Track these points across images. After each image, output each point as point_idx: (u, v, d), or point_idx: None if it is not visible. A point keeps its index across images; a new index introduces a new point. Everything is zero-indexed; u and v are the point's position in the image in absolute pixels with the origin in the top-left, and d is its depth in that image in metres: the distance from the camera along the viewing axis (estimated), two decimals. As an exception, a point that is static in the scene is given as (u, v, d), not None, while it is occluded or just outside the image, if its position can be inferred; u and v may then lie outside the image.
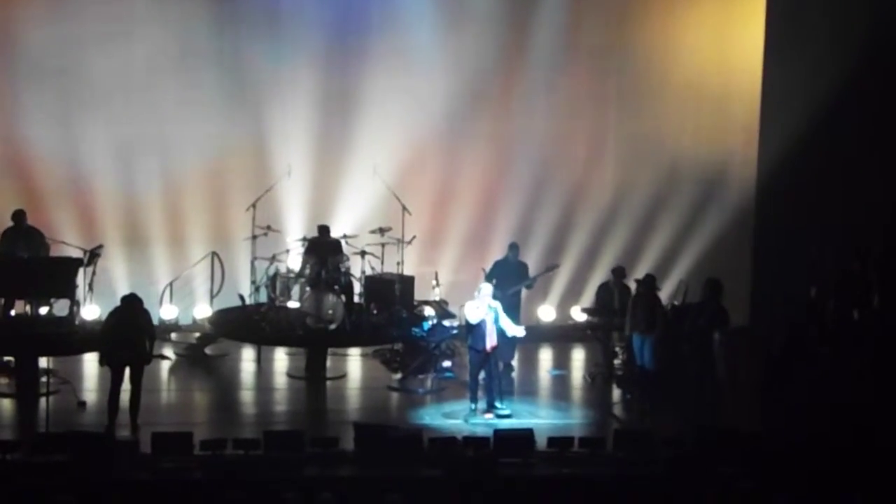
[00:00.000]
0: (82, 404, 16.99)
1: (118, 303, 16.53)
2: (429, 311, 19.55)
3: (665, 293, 19.11)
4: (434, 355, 18.75)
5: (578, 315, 20.21)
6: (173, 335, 19.88)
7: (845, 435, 15.43)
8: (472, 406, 16.99)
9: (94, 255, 18.42)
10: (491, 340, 16.81)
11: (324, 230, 19.36)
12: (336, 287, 18.66)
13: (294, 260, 19.44)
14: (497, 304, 17.00)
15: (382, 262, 19.68)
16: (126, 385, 16.24)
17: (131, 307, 16.26)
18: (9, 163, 20.40)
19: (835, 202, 20.45)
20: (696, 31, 21.48)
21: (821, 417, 16.35)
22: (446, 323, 19.07)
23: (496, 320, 16.89)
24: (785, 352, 17.54)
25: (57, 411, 16.10)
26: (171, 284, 19.98)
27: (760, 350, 18.36)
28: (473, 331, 16.87)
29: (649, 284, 18.05)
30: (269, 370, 19.38)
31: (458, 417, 16.85)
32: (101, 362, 16.44)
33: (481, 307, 16.79)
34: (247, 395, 18.56)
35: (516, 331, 17.15)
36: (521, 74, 21.31)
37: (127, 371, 16.20)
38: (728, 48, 21.55)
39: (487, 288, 17.07)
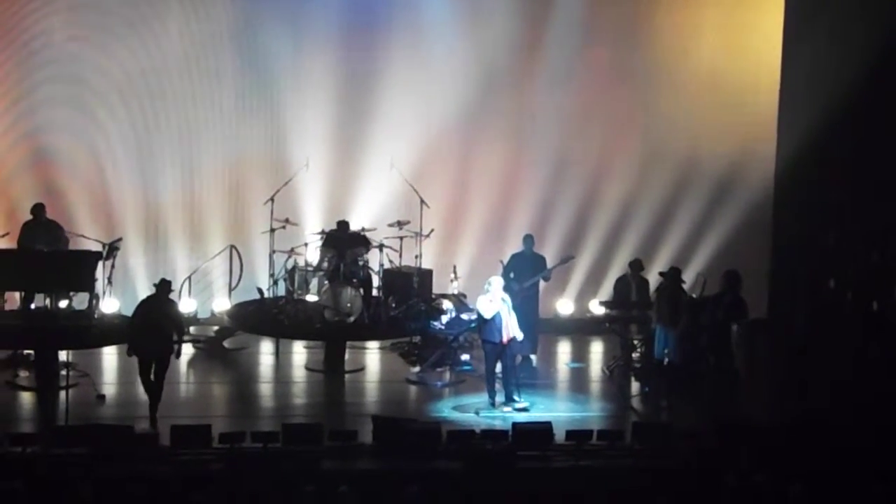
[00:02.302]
0: (101, 397, 17.05)
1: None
2: (447, 304, 19.57)
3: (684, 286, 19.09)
4: (452, 348, 18.76)
5: (596, 308, 20.20)
6: (192, 328, 19.90)
7: (863, 427, 15.41)
8: (490, 399, 17.00)
9: (112, 248, 18.47)
10: (507, 332, 16.81)
11: (343, 226, 19.37)
12: (354, 280, 18.67)
13: (312, 253, 19.46)
14: (507, 297, 17.00)
15: (401, 256, 19.70)
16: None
17: (162, 293, 16.40)
18: (29, 157, 20.45)
19: (853, 193, 20.40)
20: (715, 24, 21.41)
21: (838, 409, 16.33)
22: (464, 316, 19.07)
23: (509, 313, 16.90)
24: (806, 343, 17.50)
25: (76, 404, 16.16)
26: (189, 278, 20.03)
27: (779, 342, 18.33)
28: (487, 324, 16.86)
29: (674, 277, 18.04)
30: (287, 363, 19.42)
31: (469, 411, 16.86)
32: (129, 353, 16.53)
33: (495, 300, 16.79)
34: (265, 388, 18.59)
35: (517, 332, 17.10)
36: (538, 67, 21.28)
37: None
38: (747, 40, 21.48)
39: (498, 281, 17.06)
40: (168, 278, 16.92)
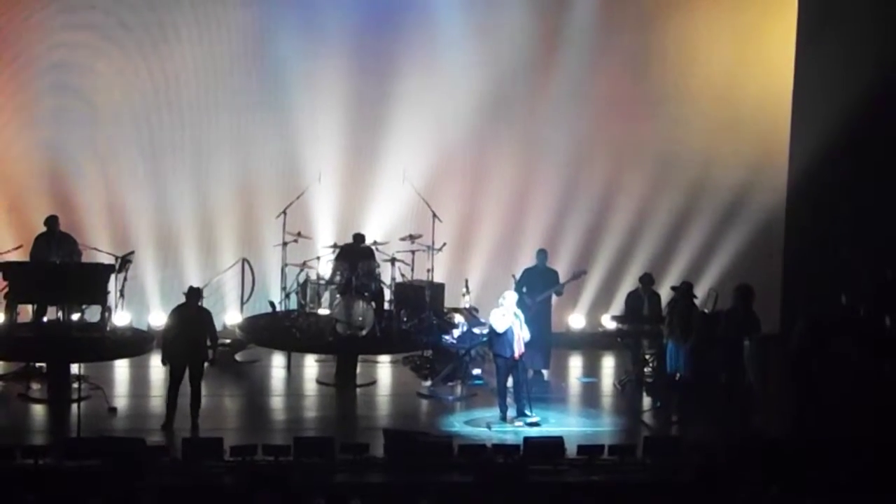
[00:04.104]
0: (113, 410, 17.07)
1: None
2: (459, 318, 19.56)
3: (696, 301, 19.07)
4: (464, 362, 18.75)
5: (608, 322, 20.18)
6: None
7: (876, 442, 15.37)
8: (502, 413, 16.99)
9: (125, 261, 18.48)
10: (518, 347, 16.80)
11: (359, 238, 19.38)
12: (366, 294, 18.68)
13: (324, 266, 19.47)
14: (519, 312, 17.01)
15: (413, 269, 19.70)
16: (186, 389, 16.49)
17: (192, 301, 16.57)
18: (41, 170, 20.49)
19: (867, 208, 20.38)
20: (727, 39, 21.40)
21: (852, 424, 16.29)
22: (476, 330, 19.06)
23: (521, 327, 16.90)
24: (804, 350, 17.42)
25: (88, 417, 16.15)
26: (201, 290, 20.00)
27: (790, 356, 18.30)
28: (499, 338, 16.87)
29: (685, 292, 18.01)
30: (299, 376, 19.44)
31: (481, 425, 16.84)
32: (164, 361, 16.64)
33: (507, 315, 16.79)
34: (277, 402, 18.60)
35: (525, 334, 17.08)
36: (551, 82, 21.30)
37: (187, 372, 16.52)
38: (759, 55, 21.47)
39: (511, 295, 17.08)
40: (196, 287, 17.03)
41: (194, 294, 16.77)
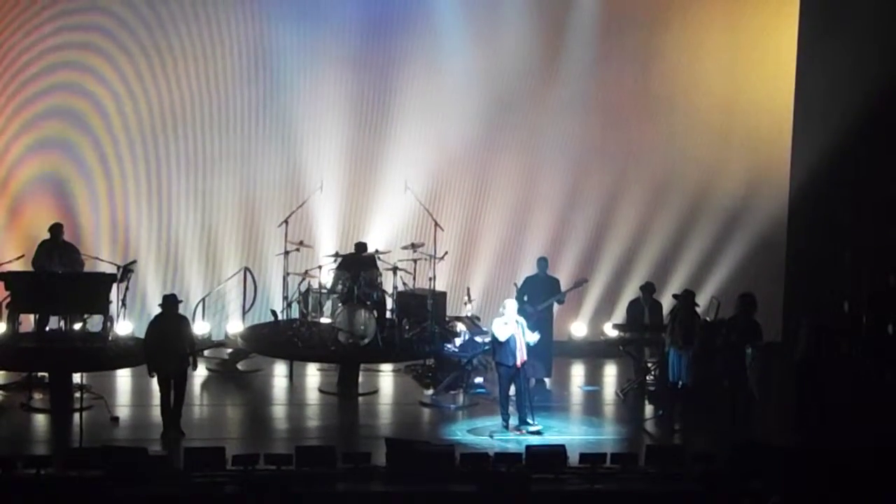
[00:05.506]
0: (115, 419, 17.06)
1: (153, 317, 16.69)
2: (461, 326, 19.57)
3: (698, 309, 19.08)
4: (466, 371, 18.75)
5: (610, 331, 20.19)
6: (206, 351, 19.91)
7: (879, 450, 15.37)
8: (504, 422, 16.99)
9: (127, 270, 18.50)
10: (521, 356, 16.80)
11: (361, 247, 19.39)
12: (368, 303, 18.68)
13: (326, 275, 19.47)
14: (522, 319, 17.01)
15: (414, 278, 19.70)
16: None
17: (169, 309, 16.50)
18: (44, 179, 20.51)
19: (868, 216, 20.38)
20: (730, 47, 21.46)
21: (854, 432, 16.29)
22: (478, 338, 19.06)
23: (524, 334, 16.90)
24: (806, 358, 17.42)
25: (90, 426, 16.15)
26: (203, 300, 20.06)
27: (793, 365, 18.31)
28: (502, 347, 16.87)
29: (687, 300, 18.02)
30: (301, 386, 19.44)
31: (483, 433, 16.84)
32: (150, 373, 16.60)
33: (510, 323, 16.79)
34: (279, 411, 18.59)
35: (531, 337, 17.08)
36: (552, 89, 21.34)
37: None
38: (760, 65, 21.50)
39: (512, 304, 17.08)
40: (170, 293, 16.97)
41: (170, 301, 16.67)
